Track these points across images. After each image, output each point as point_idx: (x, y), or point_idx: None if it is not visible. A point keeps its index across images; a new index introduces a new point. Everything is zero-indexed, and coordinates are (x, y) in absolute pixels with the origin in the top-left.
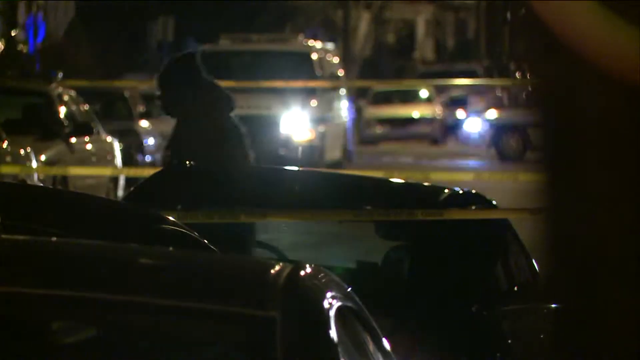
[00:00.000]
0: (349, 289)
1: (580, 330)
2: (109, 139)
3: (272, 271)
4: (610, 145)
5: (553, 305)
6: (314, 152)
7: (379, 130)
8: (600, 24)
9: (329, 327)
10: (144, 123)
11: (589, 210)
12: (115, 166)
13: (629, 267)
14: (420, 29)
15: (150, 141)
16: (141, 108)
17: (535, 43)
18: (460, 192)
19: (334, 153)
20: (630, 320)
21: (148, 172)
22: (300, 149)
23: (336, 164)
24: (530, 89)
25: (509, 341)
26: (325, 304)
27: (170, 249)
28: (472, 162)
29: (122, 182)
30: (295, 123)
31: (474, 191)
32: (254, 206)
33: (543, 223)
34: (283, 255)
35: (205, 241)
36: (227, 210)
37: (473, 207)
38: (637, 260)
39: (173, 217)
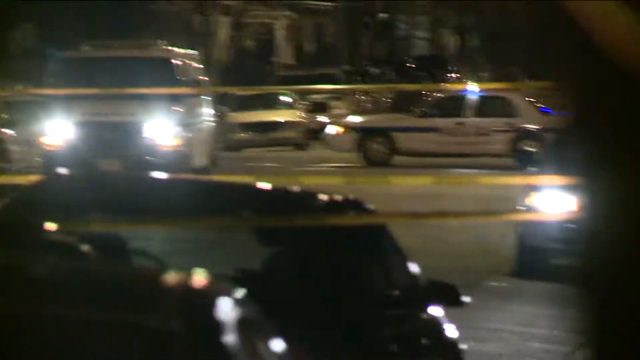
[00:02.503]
0: (245, 297)
1: (613, 323)
2: None
3: (168, 280)
4: None
5: (430, 310)
6: (180, 158)
7: (242, 135)
8: (635, 26)
9: (227, 337)
10: (8, 130)
11: (622, 208)
12: None
13: None
14: (280, 33)
15: (15, 148)
16: (4, 115)
17: (565, 44)
18: (338, 197)
19: (200, 159)
20: None
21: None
22: (166, 155)
23: (203, 170)
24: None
25: (391, 346)
26: (223, 313)
27: (59, 258)
28: (338, 167)
29: None
30: (160, 129)
31: (351, 196)
32: (132, 213)
33: (580, 222)
34: (161, 263)
35: (88, 250)
36: (108, 218)
37: (350, 213)
38: None
39: (54, 226)
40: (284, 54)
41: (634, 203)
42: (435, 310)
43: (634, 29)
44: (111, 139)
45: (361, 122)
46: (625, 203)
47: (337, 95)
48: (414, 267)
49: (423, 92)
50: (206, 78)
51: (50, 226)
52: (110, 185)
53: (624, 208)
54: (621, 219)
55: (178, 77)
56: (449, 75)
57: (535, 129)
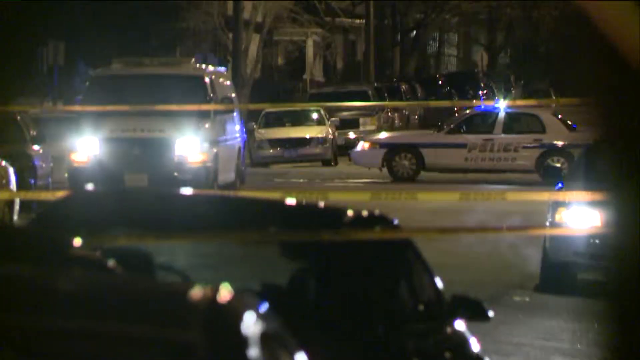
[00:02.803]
0: (270, 311)
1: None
2: (2, 163)
3: (193, 294)
4: None
5: (454, 325)
6: (207, 174)
7: (270, 152)
8: None
9: (251, 351)
10: (36, 147)
11: None
12: (10, 190)
13: None
14: (310, 50)
15: (42, 164)
16: (32, 132)
17: (591, 60)
18: (364, 212)
19: (227, 175)
20: None
21: (44, 195)
22: (193, 170)
23: (230, 186)
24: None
25: None
26: (248, 327)
27: (86, 273)
28: (366, 183)
29: (17, 206)
30: (189, 145)
31: (377, 212)
32: (157, 229)
33: (610, 234)
34: (187, 278)
35: (113, 265)
36: (133, 233)
37: (377, 228)
38: None
39: (79, 241)
40: (314, 71)
41: None
42: (460, 325)
43: None
44: (138, 154)
45: (389, 138)
46: None
47: (367, 112)
48: (439, 282)
49: (452, 108)
50: (234, 95)
51: (77, 241)
52: (137, 200)
53: None
54: None
55: (208, 94)
56: (478, 91)
57: (562, 145)
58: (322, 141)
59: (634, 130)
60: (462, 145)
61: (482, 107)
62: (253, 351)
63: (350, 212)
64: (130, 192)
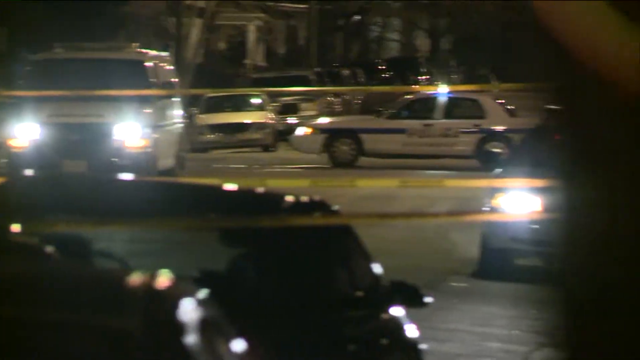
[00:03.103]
0: (208, 298)
1: (593, 323)
2: None
3: (131, 281)
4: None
5: (391, 311)
6: (147, 159)
7: (210, 137)
8: (610, 28)
9: (189, 338)
10: None
11: (603, 210)
12: None
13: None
14: (252, 35)
15: None
16: None
17: (537, 46)
18: (304, 198)
19: (167, 161)
20: None
21: None
22: (133, 156)
23: (169, 172)
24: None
25: (352, 347)
26: (186, 314)
27: (24, 261)
28: (305, 169)
29: None
30: (129, 131)
31: (316, 197)
32: (96, 215)
33: (560, 222)
34: (126, 265)
35: (51, 251)
36: (72, 219)
37: (316, 213)
38: None
39: (17, 227)
40: (256, 56)
41: (615, 205)
42: (397, 311)
43: (613, 32)
44: (78, 140)
45: (329, 124)
46: (606, 205)
47: (308, 97)
48: (377, 268)
49: (394, 93)
50: (176, 80)
51: (15, 227)
52: (75, 186)
53: (605, 209)
54: (602, 220)
55: (149, 79)
56: (419, 77)
57: (502, 130)
58: (262, 126)
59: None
60: (402, 131)
61: (423, 92)
62: (191, 338)
63: (289, 198)
64: (69, 177)
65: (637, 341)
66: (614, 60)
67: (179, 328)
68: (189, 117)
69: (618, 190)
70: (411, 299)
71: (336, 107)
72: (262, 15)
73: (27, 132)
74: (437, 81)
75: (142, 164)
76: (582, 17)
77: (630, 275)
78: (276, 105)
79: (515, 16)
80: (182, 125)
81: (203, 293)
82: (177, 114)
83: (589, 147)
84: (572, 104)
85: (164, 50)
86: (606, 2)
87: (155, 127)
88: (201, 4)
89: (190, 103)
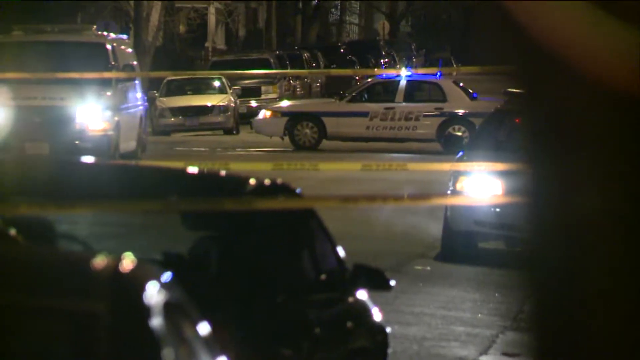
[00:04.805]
0: (172, 281)
1: (560, 312)
2: None
3: (96, 264)
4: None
5: (356, 294)
6: (109, 142)
7: (171, 120)
8: (590, 25)
9: (154, 320)
10: None
11: (573, 192)
12: None
13: (608, 251)
14: (212, 18)
15: None
16: None
17: (508, 43)
18: (267, 181)
19: (129, 143)
20: (609, 304)
21: None
22: (94, 139)
23: (131, 155)
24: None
25: (317, 330)
26: (150, 297)
27: None
28: (267, 152)
29: None
30: (90, 114)
31: (279, 180)
32: (59, 198)
33: (527, 209)
34: (89, 247)
35: (16, 234)
36: (35, 202)
37: (279, 197)
38: (615, 243)
39: None
40: (216, 39)
41: (579, 188)
42: (361, 294)
43: (593, 29)
44: (39, 123)
45: (290, 106)
46: (570, 188)
47: (269, 80)
48: (341, 251)
49: (354, 76)
50: (136, 63)
51: None
52: (38, 169)
53: (568, 193)
54: (564, 203)
55: (110, 62)
56: (380, 60)
57: (463, 113)
58: (223, 110)
59: (549, 102)
60: (364, 114)
61: (384, 75)
62: (156, 321)
63: (252, 181)
64: (31, 160)
65: (604, 324)
66: (587, 52)
67: (144, 311)
68: (149, 100)
69: (583, 173)
70: (375, 282)
71: (297, 90)
72: None
73: None
74: (398, 64)
75: (104, 146)
76: (566, 14)
77: (596, 259)
78: (237, 89)
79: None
80: (143, 108)
81: (167, 276)
82: (138, 97)
83: (552, 130)
84: (534, 87)
85: (123, 32)
86: None
87: (117, 110)
88: None
89: (150, 86)
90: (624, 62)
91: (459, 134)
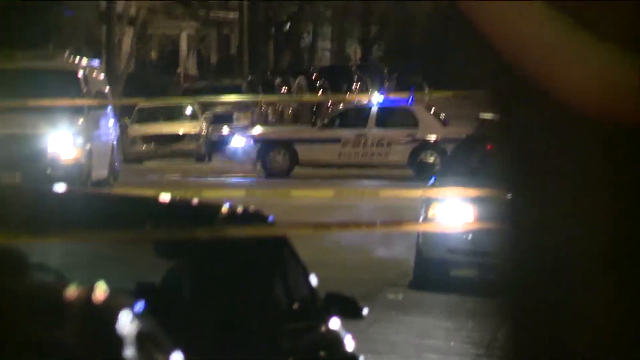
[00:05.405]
0: (145, 310)
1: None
2: None
3: (68, 294)
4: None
5: (329, 323)
6: (81, 170)
7: (144, 147)
8: (560, 39)
9: (127, 350)
10: None
11: (551, 220)
12: None
13: (593, 270)
14: (184, 44)
15: None
16: None
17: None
18: (239, 209)
19: (101, 171)
20: (587, 333)
21: None
22: (66, 167)
23: (103, 183)
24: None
25: (290, 359)
26: (123, 327)
27: None
28: (240, 179)
29: None
30: (62, 142)
31: (252, 208)
32: (31, 227)
33: (500, 235)
34: (62, 277)
35: None
36: (7, 231)
37: (252, 224)
38: (601, 262)
39: None
40: (188, 65)
41: (552, 215)
42: (334, 323)
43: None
44: (11, 151)
45: (262, 133)
46: (544, 215)
47: (241, 106)
48: (313, 279)
49: (326, 103)
50: (108, 89)
51: None
52: (10, 198)
53: (543, 220)
54: (538, 230)
55: (82, 89)
56: (352, 85)
57: (435, 139)
58: (195, 137)
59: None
60: (336, 141)
61: (356, 101)
62: (129, 350)
63: (225, 209)
64: (3, 189)
65: (581, 353)
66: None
67: (117, 341)
68: (121, 128)
69: (561, 200)
70: (348, 310)
71: (269, 116)
72: (193, 24)
73: None
74: (370, 90)
75: (76, 175)
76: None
77: (572, 287)
78: (209, 115)
79: (449, 23)
80: (115, 135)
81: (140, 305)
82: (110, 124)
83: (526, 156)
84: (509, 112)
85: (95, 59)
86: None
87: (89, 138)
88: (132, 12)
89: (122, 113)
90: (602, 86)
91: (431, 160)
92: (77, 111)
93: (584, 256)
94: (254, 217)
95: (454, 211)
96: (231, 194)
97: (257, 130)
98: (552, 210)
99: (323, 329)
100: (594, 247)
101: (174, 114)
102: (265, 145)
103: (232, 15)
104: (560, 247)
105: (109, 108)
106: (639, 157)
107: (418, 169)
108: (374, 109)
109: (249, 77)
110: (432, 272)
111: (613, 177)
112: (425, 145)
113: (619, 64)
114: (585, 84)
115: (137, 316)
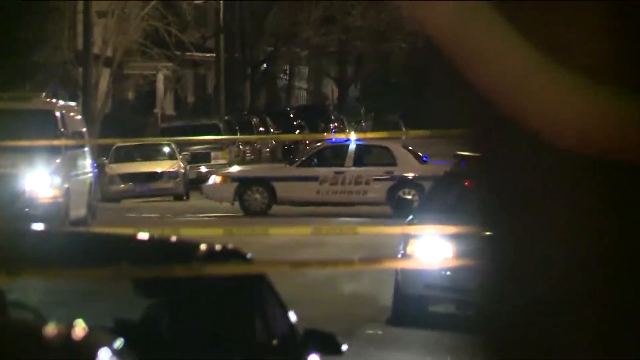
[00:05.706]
0: (124, 348)
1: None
2: None
3: (47, 332)
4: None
5: (310, 359)
6: (59, 209)
7: (121, 186)
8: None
9: None
10: None
11: (531, 254)
12: None
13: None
14: (160, 84)
15: None
16: None
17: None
18: (217, 247)
19: (79, 210)
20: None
21: None
22: (44, 206)
23: (81, 221)
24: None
25: None
26: None
27: None
28: (218, 217)
29: None
30: (40, 181)
31: (230, 246)
32: (9, 266)
33: (479, 272)
34: (40, 316)
35: None
36: None
37: (230, 262)
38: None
39: None
40: (165, 105)
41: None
42: (313, 359)
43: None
44: None
45: (240, 172)
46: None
47: (218, 145)
48: (292, 316)
49: (303, 141)
50: (85, 129)
51: None
52: None
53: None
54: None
55: (59, 129)
56: (329, 124)
57: (413, 177)
58: (173, 175)
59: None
60: (314, 179)
61: (333, 139)
62: None
63: (203, 247)
64: None
65: None
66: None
67: None
68: (99, 167)
69: (538, 236)
70: (327, 346)
71: (247, 155)
72: (169, 64)
73: None
74: (347, 129)
75: (54, 214)
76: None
77: (552, 323)
78: (186, 154)
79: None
80: (92, 174)
81: (118, 343)
82: (87, 164)
83: (508, 193)
84: (489, 149)
85: (72, 99)
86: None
87: (66, 177)
88: (109, 53)
89: (100, 153)
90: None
91: (409, 197)
92: (54, 151)
93: (564, 293)
94: (232, 255)
95: (432, 247)
96: (209, 232)
97: (235, 168)
98: (531, 247)
99: None
100: (575, 283)
101: (152, 153)
102: (243, 184)
103: (209, 55)
104: (539, 283)
105: (87, 147)
106: (623, 191)
107: (397, 206)
108: (352, 147)
109: (226, 117)
110: (410, 308)
111: (596, 212)
112: (403, 182)
113: (593, 96)
114: (559, 117)
115: (116, 353)
